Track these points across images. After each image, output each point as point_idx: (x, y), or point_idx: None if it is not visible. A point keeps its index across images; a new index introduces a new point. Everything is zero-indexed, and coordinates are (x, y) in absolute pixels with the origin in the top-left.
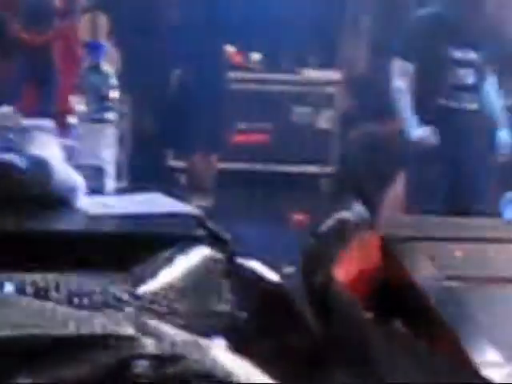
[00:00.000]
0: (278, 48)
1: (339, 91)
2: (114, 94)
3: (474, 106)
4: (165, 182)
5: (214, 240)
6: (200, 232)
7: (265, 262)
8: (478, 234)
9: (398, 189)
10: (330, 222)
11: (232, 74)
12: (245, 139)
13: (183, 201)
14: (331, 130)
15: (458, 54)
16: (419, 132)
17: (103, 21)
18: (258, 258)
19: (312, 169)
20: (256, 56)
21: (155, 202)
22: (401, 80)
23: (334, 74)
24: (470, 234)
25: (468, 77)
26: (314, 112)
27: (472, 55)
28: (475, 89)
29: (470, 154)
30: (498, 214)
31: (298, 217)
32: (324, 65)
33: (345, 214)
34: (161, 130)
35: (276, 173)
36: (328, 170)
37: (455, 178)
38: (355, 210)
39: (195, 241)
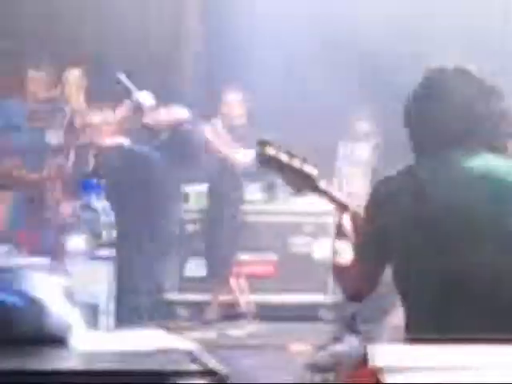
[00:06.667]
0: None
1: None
2: (109, 231)
3: None
4: (165, 316)
5: (209, 374)
6: (193, 367)
7: None
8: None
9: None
10: (324, 355)
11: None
12: (247, 271)
13: (182, 334)
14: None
15: None
16: None
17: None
18: None
19: (312, 298)
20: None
21: (150, 338)
22: None
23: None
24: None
25: None
26: (312, 241)
27: None
28: None
29: None
30: None
31: (297, 346)
32: None
33: (338, 347)
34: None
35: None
36: (328, 299)
37: None
38: (348, 342)
39: (188, 376)
